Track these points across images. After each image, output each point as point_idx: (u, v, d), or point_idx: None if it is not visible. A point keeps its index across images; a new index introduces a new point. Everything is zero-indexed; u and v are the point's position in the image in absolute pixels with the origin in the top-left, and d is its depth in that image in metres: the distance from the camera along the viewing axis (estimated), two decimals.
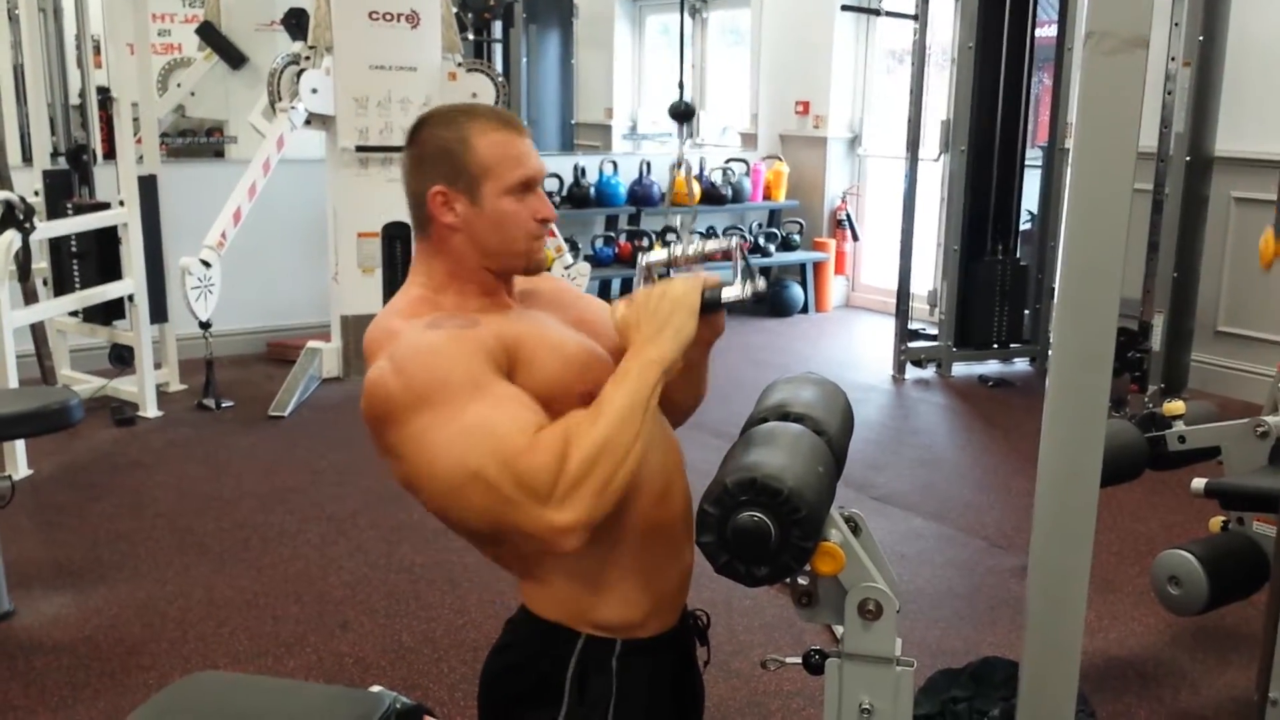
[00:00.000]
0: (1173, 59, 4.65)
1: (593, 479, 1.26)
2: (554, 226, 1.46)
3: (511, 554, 1.45)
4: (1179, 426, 2.75)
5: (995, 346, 5.81)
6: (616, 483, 1.28)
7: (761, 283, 1.45)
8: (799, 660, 1.50)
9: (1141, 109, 1.32)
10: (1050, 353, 1.45)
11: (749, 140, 7.82)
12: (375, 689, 2.16)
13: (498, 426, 1.28)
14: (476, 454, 1.27)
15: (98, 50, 5.82)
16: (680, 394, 1.56)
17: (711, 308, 1.42)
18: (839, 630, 1.54)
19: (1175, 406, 2.77)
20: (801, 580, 1.45)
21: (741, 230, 7.36)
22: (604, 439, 1.27)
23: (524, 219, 1.43)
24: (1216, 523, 2.74)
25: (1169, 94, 4.70)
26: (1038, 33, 5.65)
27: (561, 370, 1.40)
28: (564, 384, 1.39)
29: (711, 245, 1.51)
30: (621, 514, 1.39)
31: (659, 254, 1.49)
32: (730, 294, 1.43)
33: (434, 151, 1.43)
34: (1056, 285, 1.39)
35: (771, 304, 7.39)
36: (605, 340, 1.49)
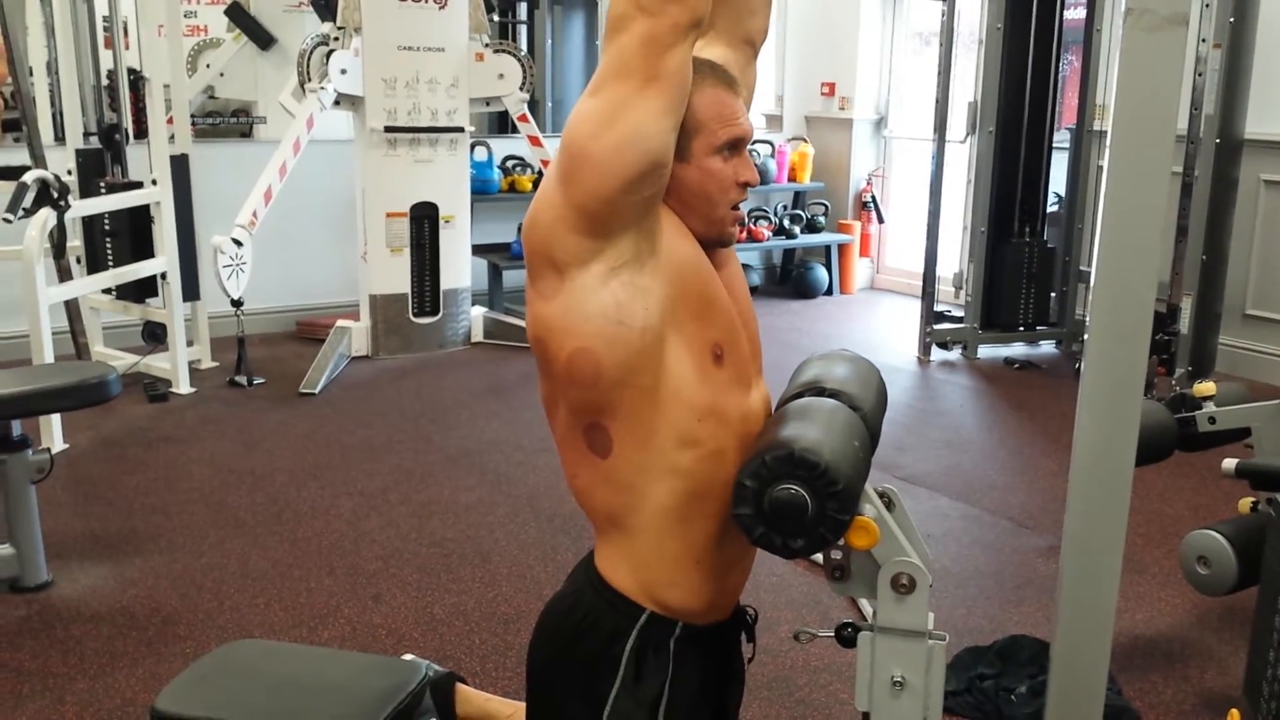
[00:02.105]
0: (1203, 40, 4.62)
1: None
2: None
3: (613, 481, 1.42)
4: (1209, 407, 2.75)
5: (1021, 329, 5.80)
6: None
7: None
8: (831, 634, 1.52)
9: (1180, 87, 1.32)
10: (1086, 333, 1.46)
11: (774, 122, 7.80)
12: (408, 657, 2.20)
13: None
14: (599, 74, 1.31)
15: (127, 32, 5.85)
16: None
17: None
18: (866, 608, 1.56)
19: (1206, 387, 2.77)
20: (835, 554, 1.47)
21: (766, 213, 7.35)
22: None
23: (728, 179, 1.41)
24: (1246, 503, 2.74)
25: (1199, 75, 4.67)
26: (1066, 14, 5.61)
27: (707, 306, 1.41)
28: (706, 318, 1.41)
29: None
30: (714, 506, 1.41)
31: None
32: None
33: None
34: (1094, 261, 1.40)
35: (796, 286, 7.40)
36: (741, 300, 1.52)
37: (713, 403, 1.41)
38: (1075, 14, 5.73)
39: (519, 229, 6.37)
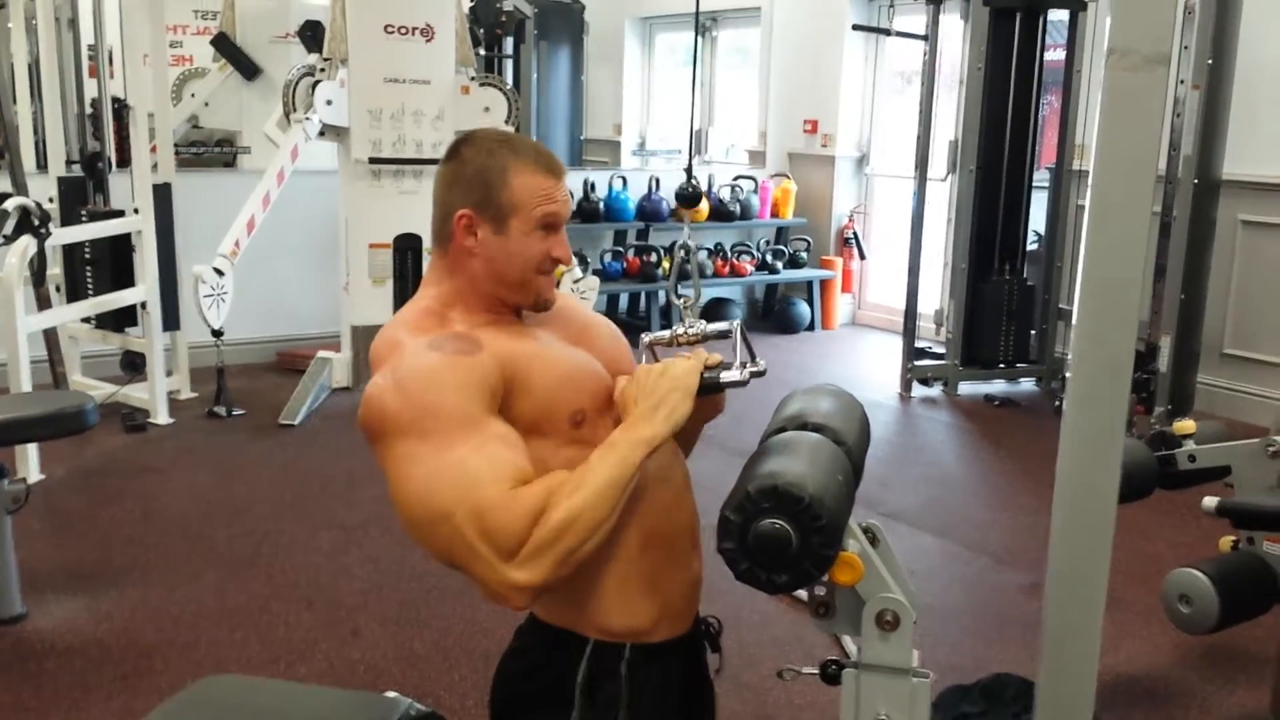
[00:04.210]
0: (1181, 82, 4.68)
1: (558, 548, 1.29)
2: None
3: None
4: (1189, 445, 2.76)
5: (1002, 366, 5.83)
6: (580, 554, 1.32)
7: (763, 364, 1.47)
8: (815, 671, 1.51)
9: (1161, 127, 1.34)
10: (1068, 371, 1.47)
11: (757, 158, 7.85)
12: (390, 694, 2.17)
13: (478, 473, 1.30)
14: (450, 496, 1.30)
15: (112, 60, 5.86)
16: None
17: (710, 390, 1.45)
18: (850, 646, 1.55)
19: (1186, 425, 2.78)
20: (819, 590, 1.47)
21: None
22: (578, 511, 1.30)
23: (542, 255, 1.46)
24: (1227, 542, 2.75)
25: (1177, 116, 4.72)
26: (1046, 55, 5.69)
27: (556, 388, 1.43)
28: (558, 401, 1.42)
29: (713, 327, 1.55)
30: (625, 524, 1.41)
31: (661, 334, 1.54)
32: (729, 377, 1.45)
33: (470, 174, 1.45)
34: (1075, 300, 1.41)
35: (778, 321, 7.42)
36: (606, 355, 1.53)
37: (583, 452, 1.40)
38: (1055, 55, 5.81)
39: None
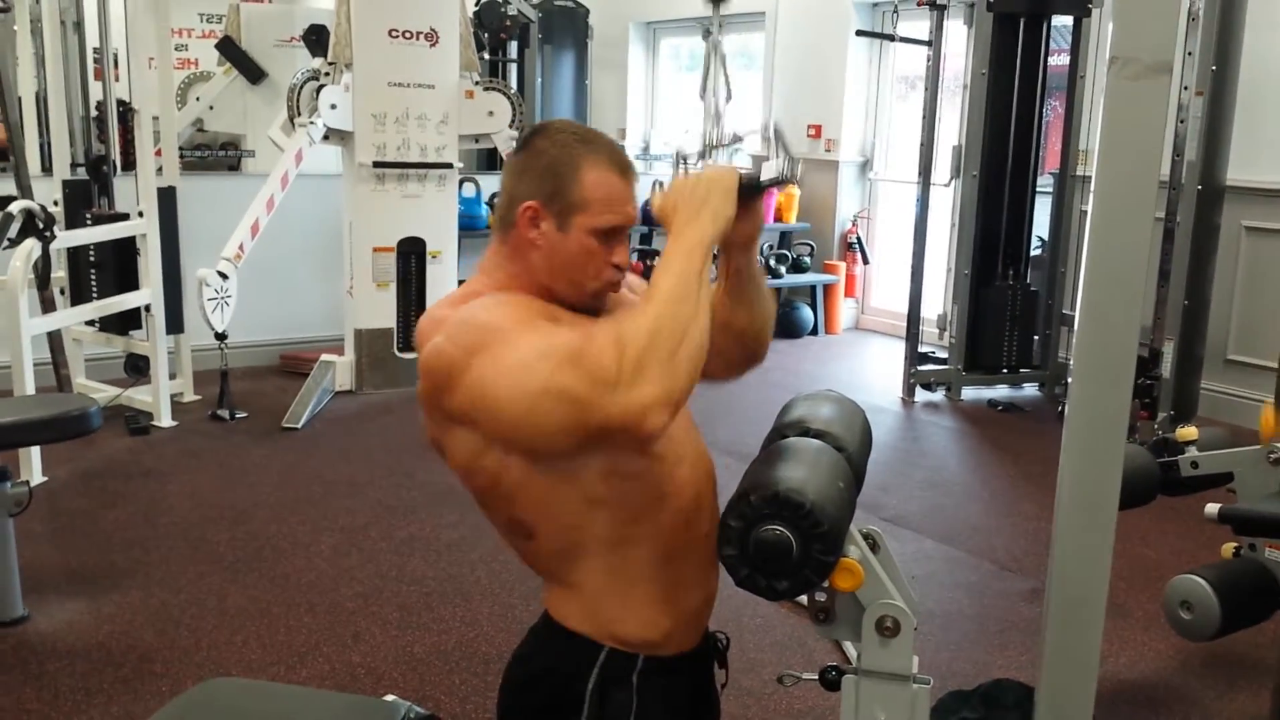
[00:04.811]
0: (1185, 88, 4.68)
1: (656, 351, 1.24)
2: None
3: (546, 551, 1.45)
4: (1191, 452, 2.76)
5: (1005, 371, 5.82)
6: (684, 354, 1.26)
7: (800, 167, 1.43)
8: (815, 677, 1.51)
9: (1164, 134, 1.34)
10: (1070, 376, 1.47)
11: (761, 163, 7.85)
12: (389, 698, 2.17)
13: (551, 343, 1.30)
14: (541, 369, 1.27)
15: (118, 63, 5.88)
16: (739, 315, 1.57)
17: (750, 189, 1.41)
18: (851, 651, 1.55)
19: (1188, 432, 2.78)
20: (820, 596, 1.47)
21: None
22: (657, 315, 1.26)
23: (601, 261, 1.43)
24: (1229, 548, 2.75)
25: (1181, 123, 4.72)
26: (1050, 61, 5.69)
27: None
28: None
29: (744, 130, 1.49)
30: (649, 529, 1.41)
31: (692, 143, 1.48)
32: (769, 172, 1.41)
33: (542, 167, 1.42)
34: (1078, 305, 1.41)
35: (781, 325, 7.41)
36: None
37: (618, 450, 1.39)
38: (1059, 60, 5.81)
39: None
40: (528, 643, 1.53)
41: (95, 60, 5.38)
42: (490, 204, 6.63)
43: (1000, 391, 5.87)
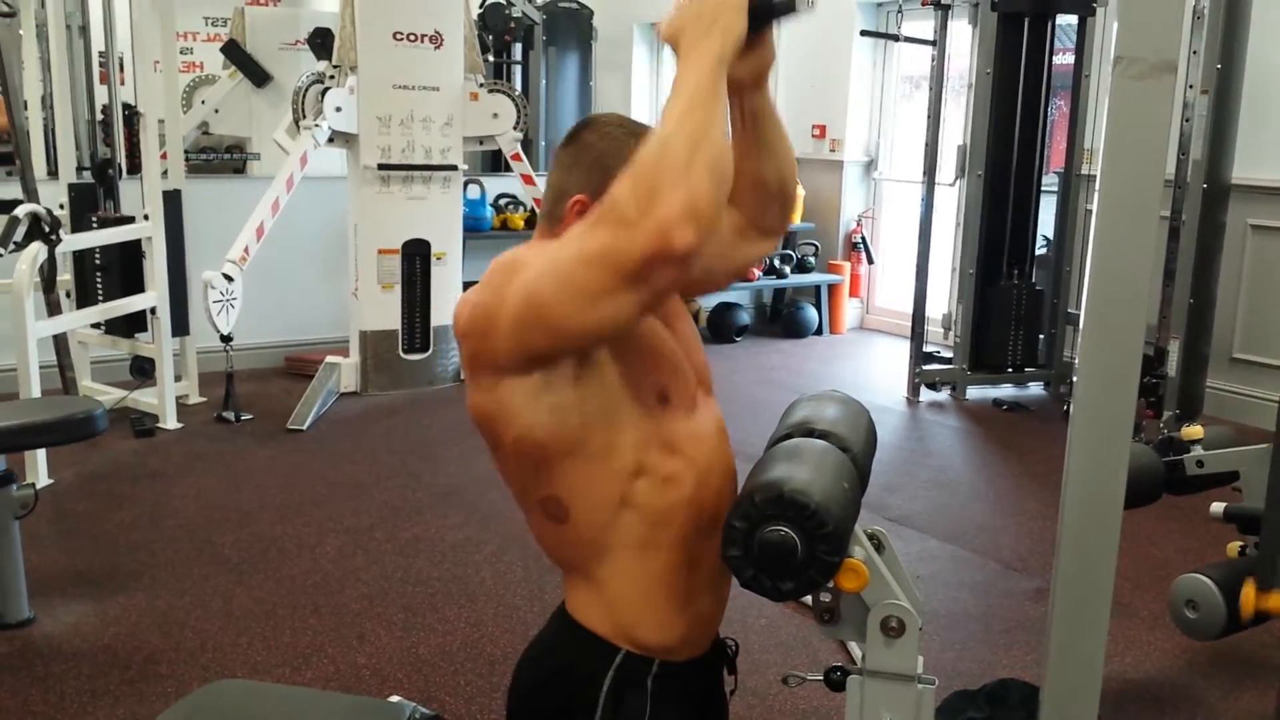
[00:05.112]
0: (1190, 86, 4.67)
1: (669, 167, 1.17)
2: None
3: (576, 539, 1.42)
4: (1197, 451, 2.75)
5: (1010, 370, 5.82)
6: (701, 161, 1.18)
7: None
8: (820, 677, 1.51)
9: (1169, 133, 1.34)
10: (1075, 375, 1.47)
11: None
12: (394, 699, 2.18)
13: (573, 230, 1.29)
14: (570, 248, 1.25)
15: (123, 67, 5.89)
16: (759, 163, 1.53)
17: (762, 12, 1.31)
18: (855, 651, 1.55)
19: (1193, 431, 2.78)
20: (825, 596, 1.47)
21: None
22: (665, 134, 1.20)
23: None
24: (1234, 547, 2.74)
25: (1186, 121, 4.72)
26: (1055, 60, 5.68)
27: (651, 356, 1.41)
28: (648, 369, 1.40)
29: None
30: (676, 534, 1.41)
31: None
32: None
33: (591, 160, 1.40)
34: (1083, 304, 1.41)
35: (786, 325, 7.42)
36: (686, 344, 1.50)
37: (660, 437, 1.40)
38: (1064, 59, 5.80)
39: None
40: (538, 644, 1.52)
41: (101, 64, 5.39)
42: (495, 205, 6.64)
43: (1005, 391, 5.86)
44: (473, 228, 6.25)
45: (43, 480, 4.12)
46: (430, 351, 5.68)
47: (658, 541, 1.41)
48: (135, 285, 4.94)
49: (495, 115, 5.69)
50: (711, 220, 1.20)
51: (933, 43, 5.67)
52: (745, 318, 7.38)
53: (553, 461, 1.37)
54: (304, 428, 4.96)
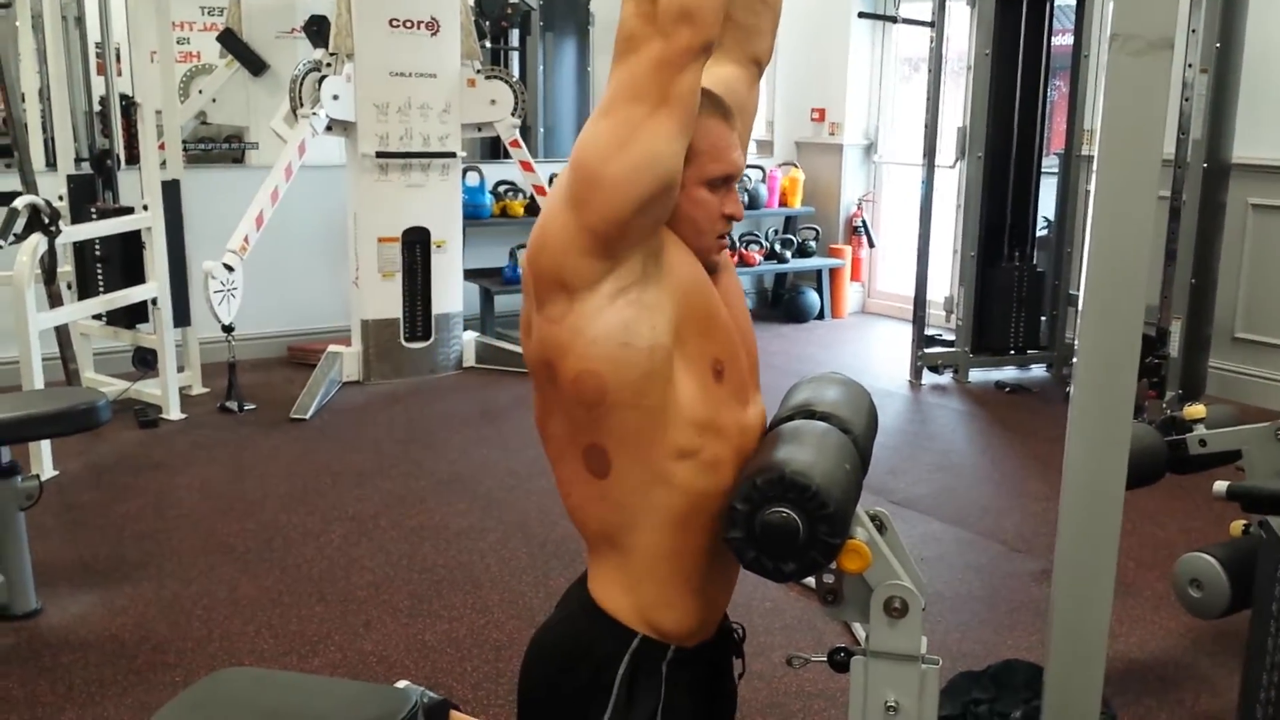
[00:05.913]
0: (1190, 65, 4.66)
1: None
2: None
3: (613, 499, 1.41)
4: (1199, 430, 2.75)
5: (1012, 352, 5.82)
6: None
7: None
8: (824, 659, 1.51)
9: (1166, 111, 1.34)
10: (1075, 356, 1.47)
11: (764, 147, 7.84)
12: (402, 684, 2.18)
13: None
14: (603, 116, 1.30)
15: (120, 58, 5.87)
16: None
17: None
18: (860, 633, 1.55)
19: (1196, 410, 2.77)
20: (828, 578, 1.47)
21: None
22: None
23: (714, 211, 1.41)
24: (1238, 526, 2.74)
25: (1186, 100, 4.70)
26: (1054, 40, 5.66)
27: (709, 325, 1.41)
28: (706, 339, 1.40)
29: None
30: (706, 520, 1.41)
31: None
32: None
33: None
34: (1082, 285, 1.41)
35: (787, 310, 7.41)
36: (739, 324, 1.51)
37: (712, 417, 1.41)
38: (1063, 40, 5.78)
39: (511, 254, 6.29)
40: (554, 625, 1.51)
41: (97, 55, 5.39)
42: (495, 192, 6.62)
43: (1008, 373, 5.86)
44: (472, 215, 6.24)
45: (48, 472, 4.13)
46: (432, 340, 5.68)
47: (693, 527, 1.41)
48: (136, 276, 4.94)
49: (493, 102, 5.68)
50: (717, 6, 1.26)
51: (931, 24, 5.65)
52: (747, 302, 7.35)
53: (609, 408, 1.36)
54: (307, 417, 4.97)
